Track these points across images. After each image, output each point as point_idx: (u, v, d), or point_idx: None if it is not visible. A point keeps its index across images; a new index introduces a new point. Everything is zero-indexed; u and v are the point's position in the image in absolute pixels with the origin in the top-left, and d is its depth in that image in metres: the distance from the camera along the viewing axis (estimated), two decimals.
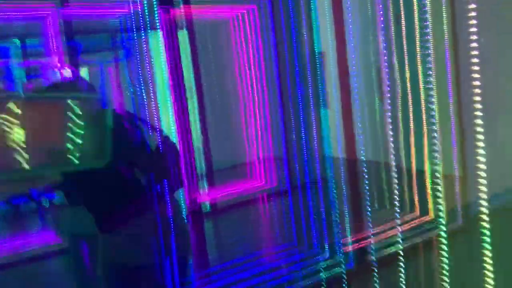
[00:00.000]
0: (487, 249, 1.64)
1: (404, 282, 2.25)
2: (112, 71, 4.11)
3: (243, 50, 4.52)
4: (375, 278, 2.55)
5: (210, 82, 4.36)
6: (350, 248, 2.95)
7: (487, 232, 1.62)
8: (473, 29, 1.74)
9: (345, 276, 2.74)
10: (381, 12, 3.69)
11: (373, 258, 2.77)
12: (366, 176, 3.21)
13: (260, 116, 4.52)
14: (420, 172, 3.37)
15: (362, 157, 3.37)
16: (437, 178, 3.01)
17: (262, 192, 4.51)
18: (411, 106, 3.50)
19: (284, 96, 4.15)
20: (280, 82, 4.16)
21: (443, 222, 2.63)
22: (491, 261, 1.55)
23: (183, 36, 3.80)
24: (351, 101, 3.38)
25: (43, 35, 3.54)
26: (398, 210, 3.27)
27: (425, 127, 3.31)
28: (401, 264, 2.30)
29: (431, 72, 3.34)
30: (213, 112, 4.39)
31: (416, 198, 3.39)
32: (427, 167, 3.24)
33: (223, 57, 4.65)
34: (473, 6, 1.74)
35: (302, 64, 4.00)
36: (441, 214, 2.79)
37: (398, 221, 3.06)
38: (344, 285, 2.69)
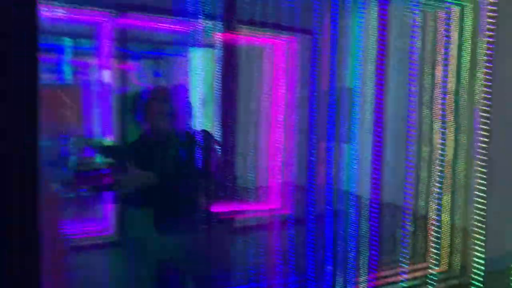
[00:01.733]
0: None
1: None
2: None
3: (280, 77, 4.67)
4: None
5: (246, 103, 4.50)
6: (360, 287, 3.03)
7: None
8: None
9: None
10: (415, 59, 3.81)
11: None
12: (383, 218, 3.30)
13: (287, 144, 4.64)
14: (439, 224, 3.44)
15: (381, 198, 3.45)
16: (455, 231, 3.09)
17: (277, 216, 4.60)
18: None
19: (312, 126, 4.27)
20: (311, 113, 4.28)
21: (454, 275, 2.70)
22: None
23: (223, 55, 3.98)
24: (376, 140, 3.49)
25: (96, 38, 3.76)
26: (409, 257, 3.35)
27: (449, 180, 3.40)
28: None
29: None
30: (243, 132, 4.52)
31: (430, 249, 3.45)
32: (446, 219, 3.32)
33: (260, 81, 4.80)
34: None
35: (334, 98, 4.11)
36: (453, 267, 2.86)
37: (407, 268, 3.14)
38: None
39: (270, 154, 4.79)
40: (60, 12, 3.46)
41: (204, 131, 2.49)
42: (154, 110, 2.33)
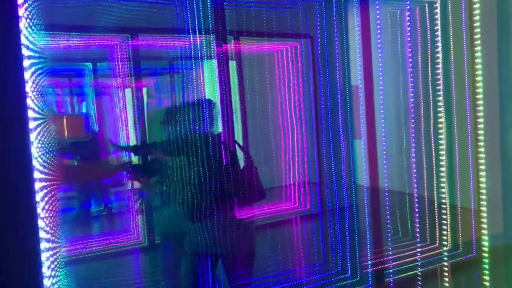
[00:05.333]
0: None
1: None
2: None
3: (284, 81, 4.91)
4: None
5: (253, 108, 4.75)
6: (369, 270, 3.22)
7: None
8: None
9: None
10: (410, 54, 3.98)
11: (389, 280, 3.04)
12: (389, 205, 3.48)
13: (297, 143, 4.86)
14: (440, 205, 3.60)
15: (386, 187, 3.64)
16: (455, 210, 3.24)
17: (295, 214, 4.83)
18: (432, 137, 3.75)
19: (318, 125, 4.49)
20: (316, 113, 4.50)
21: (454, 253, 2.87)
22: None
23: (232, 66, 4.26)
24: (377, 133, 3.68)
25: (112, 60, 4.10)
26: (416, 239, 3.51)
27: (444, 161, 3.56)
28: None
29: (447, 111, 3.59)
30: (254, 137, 4.76)
31: (436, 230, 3.61)
32: (447, 200, 3.47)
33: (266, 86, 5.04)
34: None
35: (335, 96, 4.33)
36: (453, 245, 3.02)
37: (414, 250, 3.31)
38: None
39: (285, 154, 5.01)
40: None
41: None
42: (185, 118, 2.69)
